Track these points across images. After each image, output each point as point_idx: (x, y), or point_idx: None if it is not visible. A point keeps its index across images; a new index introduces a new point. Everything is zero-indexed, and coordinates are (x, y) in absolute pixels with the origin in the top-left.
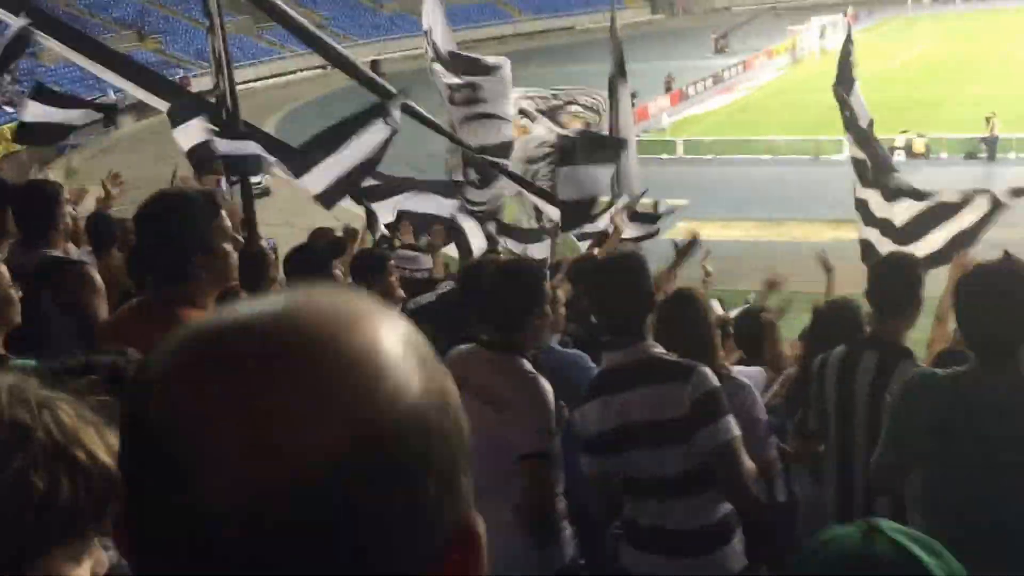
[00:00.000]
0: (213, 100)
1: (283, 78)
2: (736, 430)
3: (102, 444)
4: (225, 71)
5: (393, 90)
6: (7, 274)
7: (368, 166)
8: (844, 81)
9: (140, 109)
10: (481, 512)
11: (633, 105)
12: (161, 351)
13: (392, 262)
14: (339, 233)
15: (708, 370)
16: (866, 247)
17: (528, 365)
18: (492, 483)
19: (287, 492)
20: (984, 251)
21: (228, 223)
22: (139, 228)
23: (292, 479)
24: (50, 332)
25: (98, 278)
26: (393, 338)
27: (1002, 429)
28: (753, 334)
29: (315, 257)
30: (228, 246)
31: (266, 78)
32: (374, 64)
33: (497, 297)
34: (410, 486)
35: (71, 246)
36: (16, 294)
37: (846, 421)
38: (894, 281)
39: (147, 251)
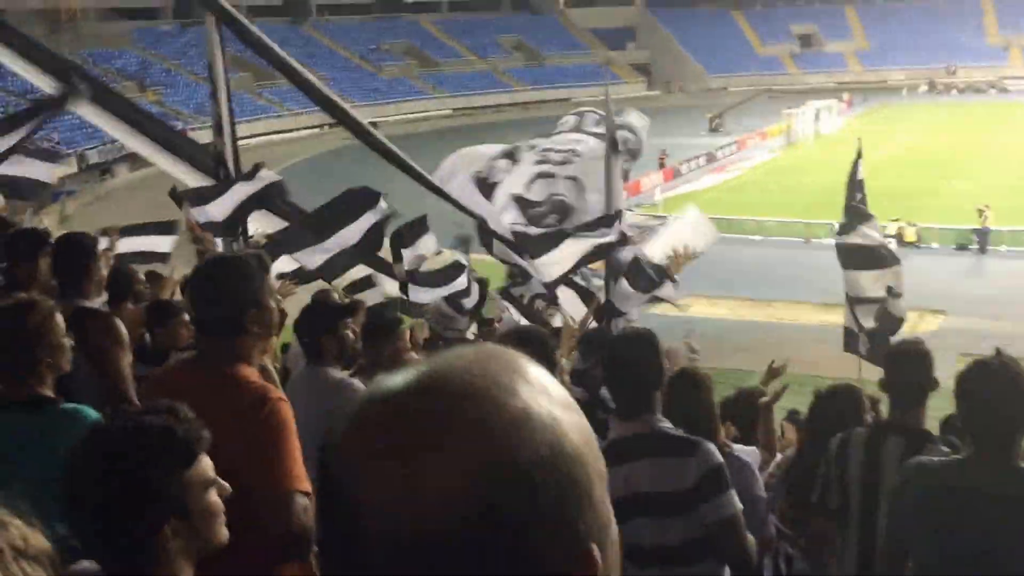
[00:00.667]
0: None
1: (280, 135)
2: (739, 504)
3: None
4: (227, 133)
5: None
6: (63, 323)
7: (366, 249)
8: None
9: (135, 159)
10: None
11: (626, 179)
12: (343, 412)
13: (404, 327)
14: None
15: (713, 446)
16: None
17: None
18: None
19: (434, 532)
20: (970, 344)
21: (273, 283)
22: (195, 287)
23: (437, 521)
24: (76, 380)
25: (123, 330)
26: (524, 399)
27: (997, 518)
28: (747, 414)
29: (325, 316)
30: (274, 302)
31: (262, 135)
32: (372, 126)
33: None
34: (540, 525)
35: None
36: (69, 342)
37: (871, 504)
38: (913, 370)
39: (203, 308)
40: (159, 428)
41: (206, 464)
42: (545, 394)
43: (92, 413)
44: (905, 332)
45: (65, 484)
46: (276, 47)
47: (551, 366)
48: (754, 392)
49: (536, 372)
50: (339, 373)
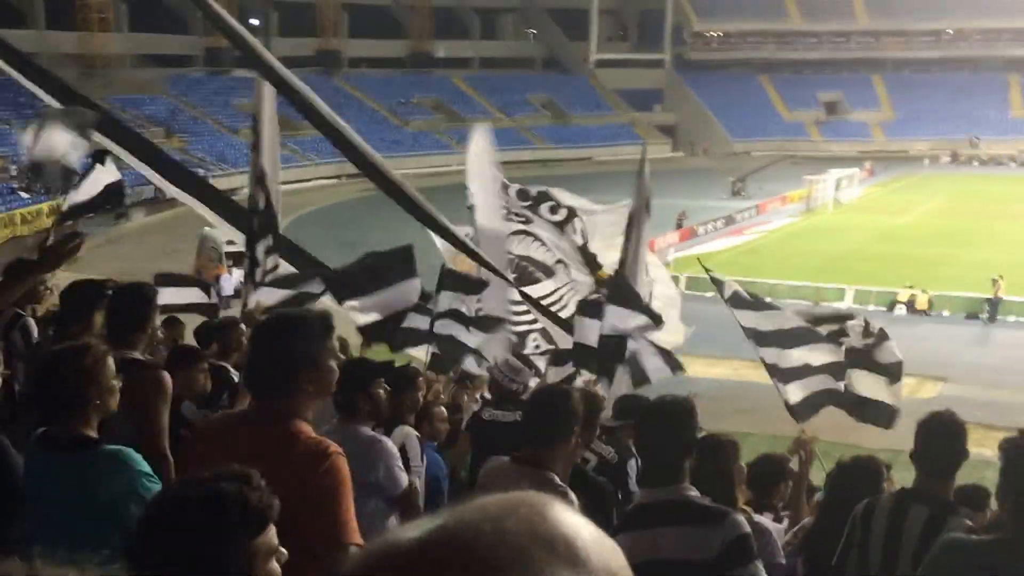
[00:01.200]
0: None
1: (300, 184)
2: (762, 574)
3: None
4: (268, 186)
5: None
6: (113, 367)
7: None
8: None
9: (150, 204)
10: None
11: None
12: (351, 561)
13: (421, 379)
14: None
15: (741, 516)
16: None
17: (556, 479)
18: None
19: None
20: (967, 411)
21: (336, 345)
22: (255, 344)
23: None
24: (111, 424)
25: (169, 385)
26: (541, 550)
27: None
28: (766, 479)
29: (363, 374)
30: (333, 363)
31: (282, 183)
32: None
33: (529, 416)
34: None
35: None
36: (118, 385)
37: (891, 572)
38: (947, 442)
39: (259, 363)
40: (234, 496)
41: (272, 533)
42: (568, 562)
43: (135, 455)
44: (904, 398)
45: (136, 545)
46: (313, 96)
47: (572, 422)
48: (773, 457)
49: (568, 534)
50: (370, 431)
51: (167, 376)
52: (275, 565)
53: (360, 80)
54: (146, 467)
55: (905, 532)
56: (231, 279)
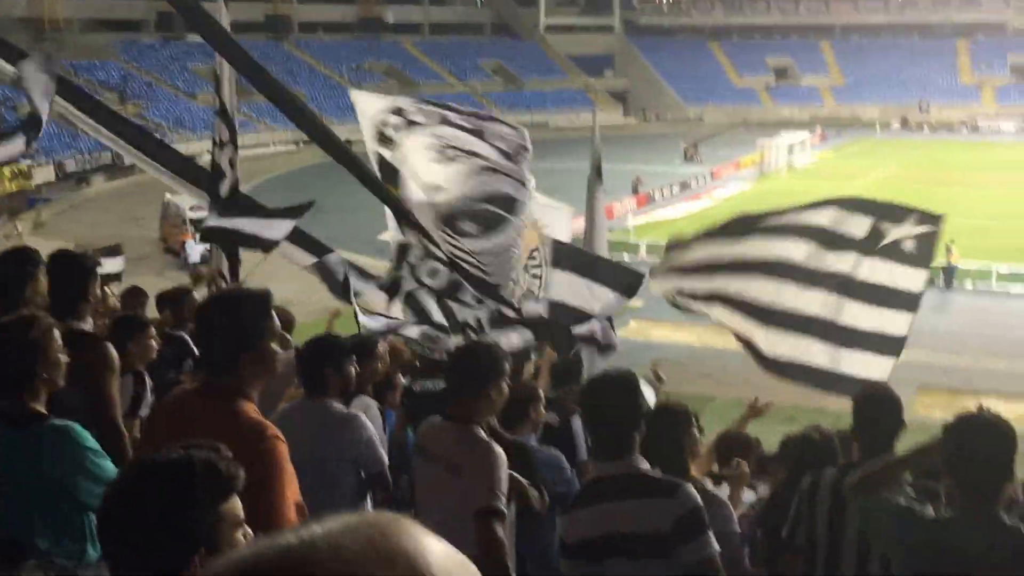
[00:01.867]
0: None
1: (257, 150)
2: (716, 546)
3: None
4: (228, 150)
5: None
6: (60, 340)
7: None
8: None
9: (112, 169)
10: None
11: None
12: (207, 569)
13: (380, 348)
14: None
15: (692, 488)
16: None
17: (482, 434)
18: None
19: None
20: (929, 377)
21: (277, 324)
22: (199, 322)
23: None
24: (60, 398)
25: (115, 357)
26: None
27: (983, 571)
28: (730, 453)
29: (333, 351)
30: (275, 346)
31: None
32: (347, 144)
33: (453, 373)
34: None
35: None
36: (64, 359)
37: (836, 544)
38: (882, 415)
39: (201, 344)
40: (204, 461)
41: (238, 504)
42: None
43: (82, 431)
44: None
45: (107, 508)
46: (253, 60)
47: (498, 375)
48: (736, 435)
49: (409, 550)
50: (343, 408)
51: (111, 348)
52: (240, 538)
53: (311, 45)
54: (93, 443)
55: (849, 506)
56: (197, 245)
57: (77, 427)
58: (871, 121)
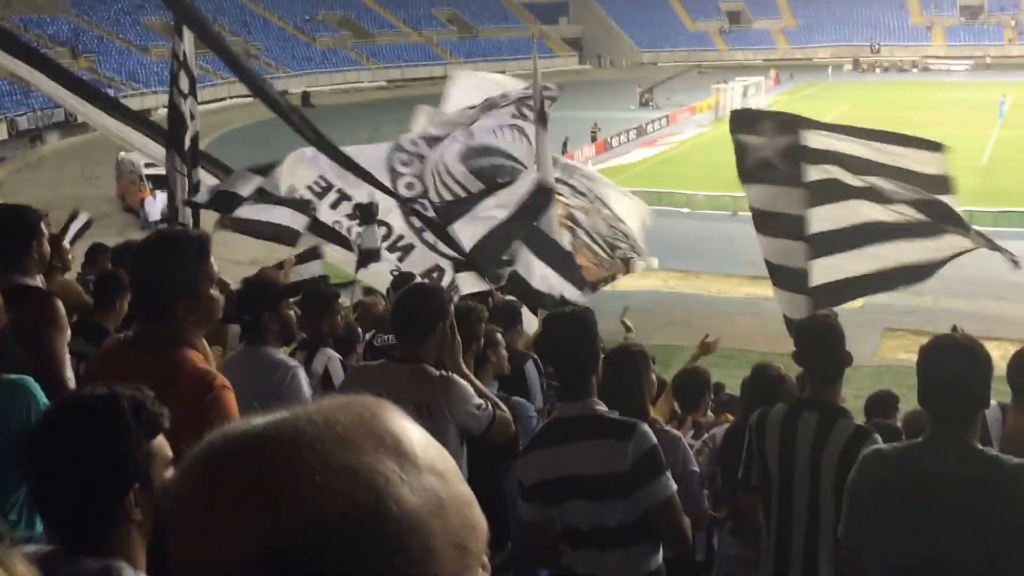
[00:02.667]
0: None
1: (214, 104)
2: (674, 485)
3: None
4: (190, 101)
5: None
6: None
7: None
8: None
9: (66, 127)
10: None
11: (565, 150)
12: (184, 462)
13: (340, 300)
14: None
15: (648, 428)
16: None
17: (432, 369)
18: None
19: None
20: (893, 319)
21: (215, 268)
22: (131, 268)
23: (224, 568)
24: (7, 357)
25: (60, 311)
26: (353, 454)
27: (954, 498)
28: (690, 391)
29: (268, 295)
30: (214, 291)
31: (200, 103)
32: (305, 96)
33: (397, 318)
34: None
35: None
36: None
37: (787, 479)
38: (821, 348)
39: (136, 291)
40: (129, 398)
41: (166, 444)
42: (394, 453)
43: (33, 384)
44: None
45: (33, 449)
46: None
47: (440, 315)
48: (696, 371)
49: (397, 432)
50: (279, 353)
51: (58, 303)
52: None
53: None
54: (43, 398)
55: (799, 440)
56: (156, 203)
57: (30, 380)
58: (824, 63)
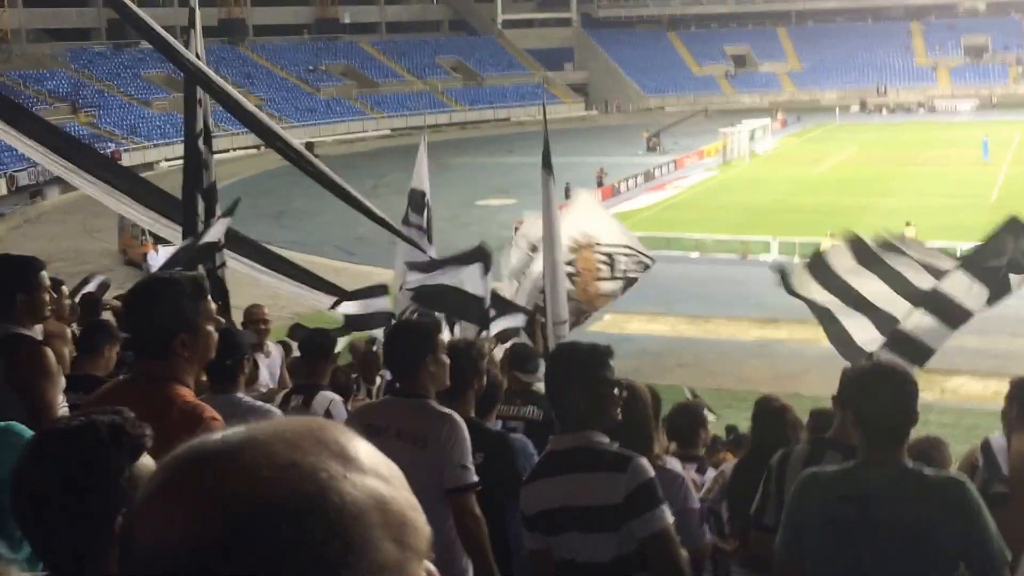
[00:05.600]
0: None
1: (219, 155)
2: (669, 518)
3: None
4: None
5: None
6: None
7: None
8: None
9: (66, 182)
10: None
11: (568, 197)
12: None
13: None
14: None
15: (645, 461)
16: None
17: (438, 405)
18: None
19: (174, 561)
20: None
21: (212, 306)
22: (129, 307)
23: (174, 559)
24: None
25: (52, 361)
26: (299, 453)
27: (893, 517)
28: (686, 429)
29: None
30: (211, 327)
31: None
32: (308, 147)
33: (389, 355)
34: (279, 570)
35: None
36: None
37: None
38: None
39: (134, 330)
40: (108, 424)
41: (152, 462)
42: (339, 457)
43: (23, 429)
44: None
45: (16, 483)
46: (202, 67)
47: (432, 348)
48: (687, 407)
49: (343, 441)
50: (250, 399)
51: (49, 352)
52: None
53: (267, 49)
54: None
55: None
56: (159, 257)
57: (18, 425)
58: (831, 105)
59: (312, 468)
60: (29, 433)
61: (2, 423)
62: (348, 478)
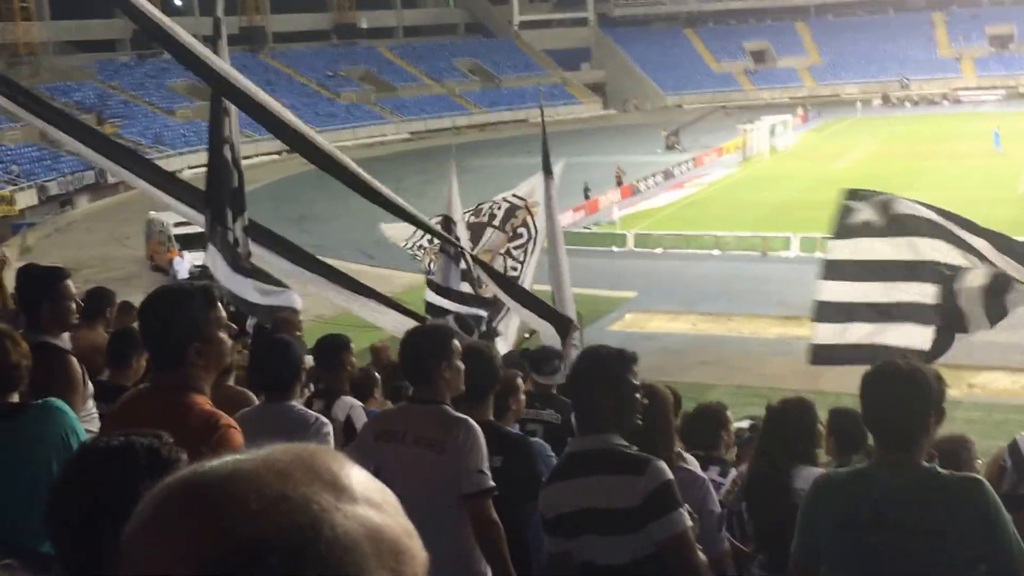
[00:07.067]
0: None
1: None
2: (688, 521)
3: None
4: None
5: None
6: (25, 346)
7: None
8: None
9: (95, 190)
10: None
11: (587, 197)
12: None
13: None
14: None
15: (663, 464)
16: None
17: (453, 411)
18: (435, 520)
19: None
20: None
21: (223, 314)
22: (141, 319)
23: None
24: None
25: (77, 370)
26: (290, 484)
27: (906, 519)
28: (707, 431)
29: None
30: (223, 335)
31: None
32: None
33: (404, 362)
34: None
35: None
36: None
37: None
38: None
39: (148, 341)
40: (145, 446)
41: None
42: (330, 486)
43: (63, 404)
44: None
45: (52, 498)
46: (234, 74)
47: (447, 353)
48: (709, 408)
49: (335, 469)
50: (301, 408)
51: (74, 361)
52: None
53: (286, 55)
54: (78, 424)
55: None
56: (184, 262)
57: (56, 400)
58: (852, 99)
59: (304, 500)
60: (67, 408)
61: (41, 400)
62: (340, 508)
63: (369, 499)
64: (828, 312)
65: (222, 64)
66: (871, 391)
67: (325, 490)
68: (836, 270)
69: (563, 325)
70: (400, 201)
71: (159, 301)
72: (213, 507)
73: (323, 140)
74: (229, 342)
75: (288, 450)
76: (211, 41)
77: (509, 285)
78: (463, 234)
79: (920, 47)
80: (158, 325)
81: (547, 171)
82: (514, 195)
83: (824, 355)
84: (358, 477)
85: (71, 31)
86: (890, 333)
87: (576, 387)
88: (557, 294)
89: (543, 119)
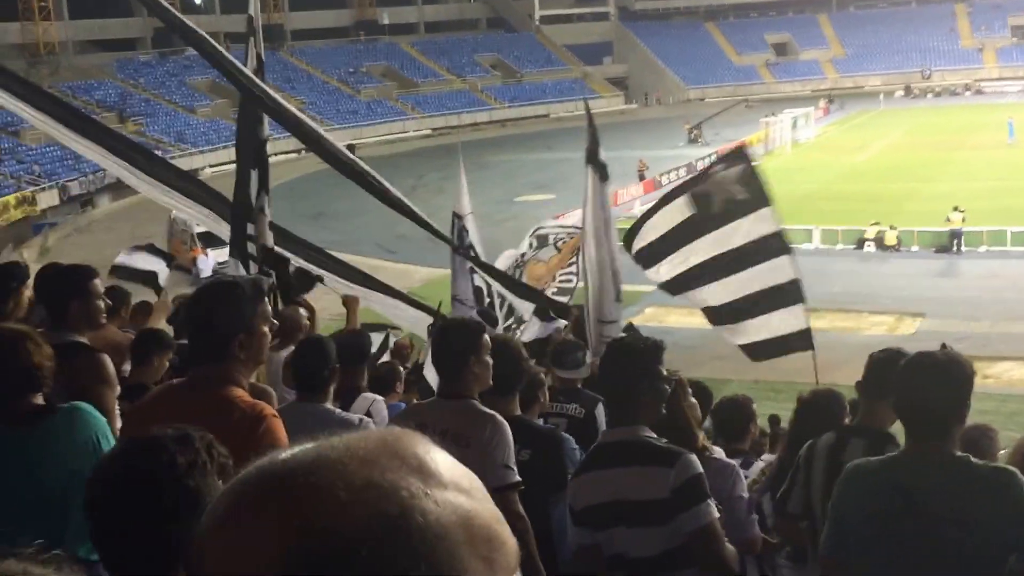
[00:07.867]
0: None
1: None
2: (715, 513)
3: None
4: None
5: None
6: (48, 347)
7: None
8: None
9: (116, 189)
10: None
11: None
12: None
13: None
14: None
15: (693, 457)
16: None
17: (481, 406)
18: None
19: None
20: (968, 348)
21: (269, 309)
22: (190, 309)
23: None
24: None
25: (110, 368)
26: (376, 470)
27: (940, 508)
28: (735, 423)
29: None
30: (266, 328)
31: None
32: (350, 149)
33: (435, 356)
34: None
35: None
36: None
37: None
38: (885, 372)
39: (195, 333)
40: (201, 437)
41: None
42: (418, 472)
43: (92, 409)
44: (884, 335)
45: (90, 484)
46: (247, 72)
47: (478, 349)
48: (736, 401)
49: (420, 453)
50: (342, 412)
51: (106, 359)
52: None
53: (306, 52)
54: (105, 427)
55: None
56: (209, 260)
57: (83, 404)
58: (875, 91)
59: (392, 487)
60: (95, 411)
61: (68, 404)
62: (430, 495)
63: (458, 484)
64: (721, 312)
65: (234, 61)
66: (908, 380)
67: (412, 475)
68: (653, 256)
69: (560, 311)
70: (401, 197)
71: (210, 291)
72: (297, 499)
73: (328, 136)
74: (269, 336)
75: (370, 435)
76: (244, 39)
77: (504, 277)
78: (472, 227)
79: (942, 38)
80: (206, 315)
81: (591, 162)
82: (574, 226)
83: (759, 350)
84: (444, 461)
85: (91, 30)
86: (774, 324)
87: (613, 379)
88: (596, 291)
89: (588, 111)
